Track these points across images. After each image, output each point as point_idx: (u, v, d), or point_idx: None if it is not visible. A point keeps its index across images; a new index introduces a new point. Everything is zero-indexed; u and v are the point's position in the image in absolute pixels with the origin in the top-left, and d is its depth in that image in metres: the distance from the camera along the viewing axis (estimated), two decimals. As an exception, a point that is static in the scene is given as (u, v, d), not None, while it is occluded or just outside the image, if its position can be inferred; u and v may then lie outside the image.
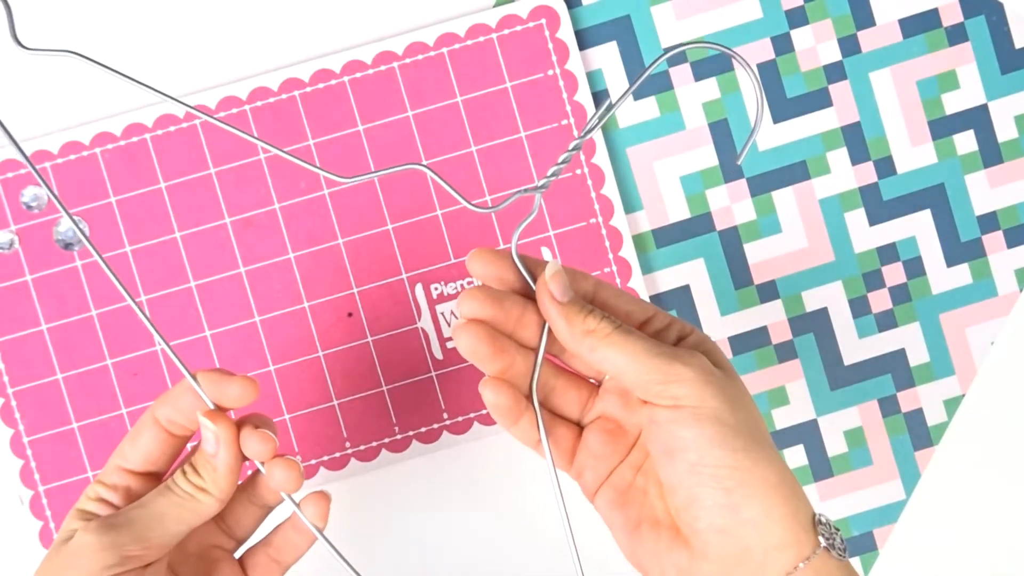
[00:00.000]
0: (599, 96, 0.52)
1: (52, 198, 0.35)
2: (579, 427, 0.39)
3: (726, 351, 0.53)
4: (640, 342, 0.35)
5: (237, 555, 0.41)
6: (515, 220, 0.51)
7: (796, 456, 0.53)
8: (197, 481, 0.37)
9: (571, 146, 0.35)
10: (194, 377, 0.37)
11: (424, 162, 0.36)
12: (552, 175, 0.36)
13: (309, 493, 0.39)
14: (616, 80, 0.52)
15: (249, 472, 0.41)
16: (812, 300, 0.53)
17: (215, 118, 0.36)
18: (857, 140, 0.53)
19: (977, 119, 0.53)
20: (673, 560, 0.35)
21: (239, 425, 0.38)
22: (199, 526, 0.39)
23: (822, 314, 0.53)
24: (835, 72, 0.53)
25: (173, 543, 0.37)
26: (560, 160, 0.36)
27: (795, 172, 0.53)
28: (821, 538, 0.33)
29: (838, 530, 0.34)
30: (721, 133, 0.52)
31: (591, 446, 0.38)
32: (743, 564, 0.33)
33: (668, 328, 0.37)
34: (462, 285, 0.52)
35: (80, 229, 0.34)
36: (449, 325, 0.52)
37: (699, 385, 0.34)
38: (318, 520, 0.39)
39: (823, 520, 0.34)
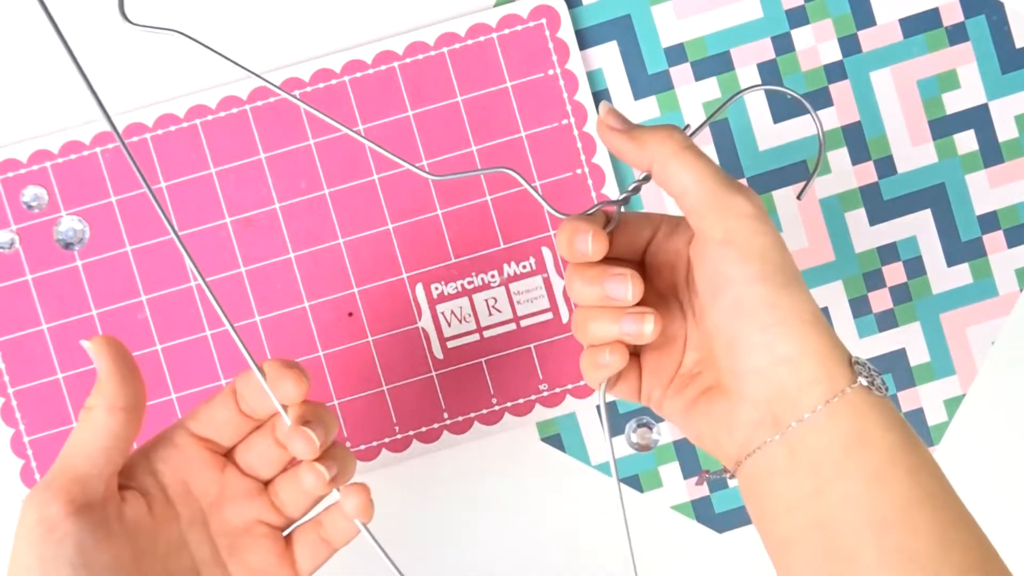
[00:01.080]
0: (599, 96, 0.52)
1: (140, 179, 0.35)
2: (637, 359, 0.39)
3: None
4: (709, 165, 0.35)
5: (287, 532, 0.41)
6: (521, 217, 0.51)
7: (796, 456, 0.53)
8: (92, 401, 0.36)
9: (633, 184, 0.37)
10: (260, 369, 0.37)
11: (510, 169, 0.38)
12: (633, 190, 0.37)
13: (348, 485, 0.38)
14: (616, 80, 0.52)
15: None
16: (812, 300, 0.53)
17: (320, 106, 0.36)
18: (857, 140, 0.53)
19: (977, 119, 0.53)
20: (718, 413, 0.35)
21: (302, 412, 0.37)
22: (248, 501, 0.39)
23: (823, 313, 0.53)
24: (835, 72, 0.52)
25: (104, 470, 0.35)
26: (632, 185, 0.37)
27: (796, 172, 0.53)
28: (860, 378, 0.33)
29: (879, 372, 0.34)
30: (721, 133, 0.52)
31: (649, 366, 0.38)
32: (779, 402, 0.34)
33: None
34: (462, 285, 0.52)
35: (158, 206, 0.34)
36: (450, 325, 0.52)
37: (754, 221, 0.34)
38: (361, 511, 0.38)
39: (861, 361, 0.34)
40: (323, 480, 0.37)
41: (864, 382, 0.33)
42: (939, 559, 0.32)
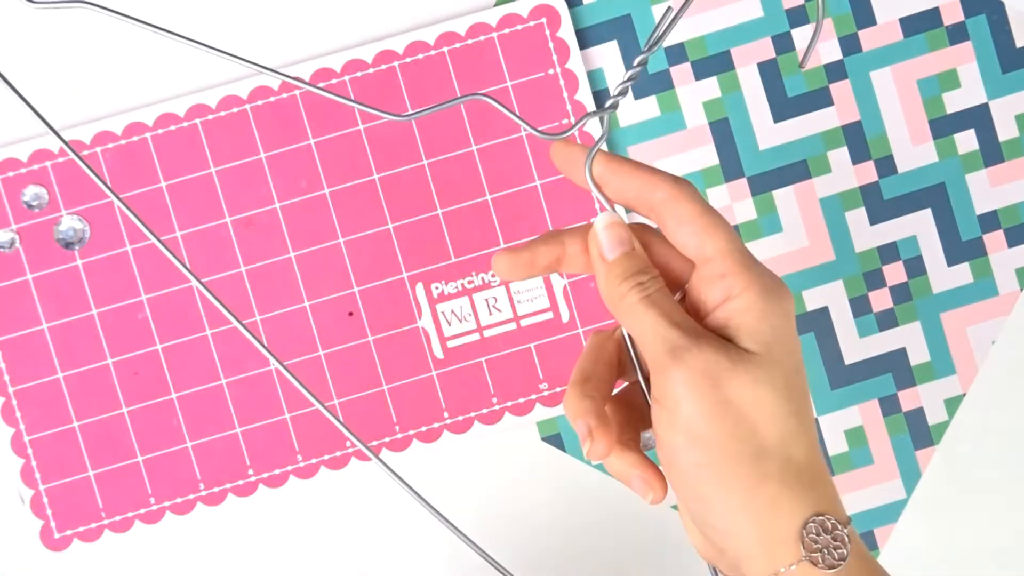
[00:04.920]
0: (600, 95, 0.52)
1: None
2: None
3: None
4: (654, 321, 0.32)
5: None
6: (521, 216, 0.51)
7: (796, 455, 0.53)
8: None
9: (637, 61, 0.35)
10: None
11: (484, 95, 0.35)
12: (620, 93, 0.35)
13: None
14: (616, 79, 0.52)
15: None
16: (813, 299, 0.53)
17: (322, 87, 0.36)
18: (858, 139, 0.53)
19: (978, 118, 0.53)
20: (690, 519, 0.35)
21: None
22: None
23: (823, 313, 0.53)
24: (836, 71, 0.52)
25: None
26: (627, 77, 0.35)
27: (796, 171, 0.53)
28: (804, 551, 0.31)
29: (837, 538, 0.32)
30: (722, 132, 0.52)
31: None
32: (720, 560, 0.34)
33: (717, 281, 0.33)
34: (462, 285, 0.52)
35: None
36: (450, 324, 0.52)
37: (683, 390, 0.31)
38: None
39: (816, 529, 0.31)
40: None
41: (806, 555, 0.31)
42: None
